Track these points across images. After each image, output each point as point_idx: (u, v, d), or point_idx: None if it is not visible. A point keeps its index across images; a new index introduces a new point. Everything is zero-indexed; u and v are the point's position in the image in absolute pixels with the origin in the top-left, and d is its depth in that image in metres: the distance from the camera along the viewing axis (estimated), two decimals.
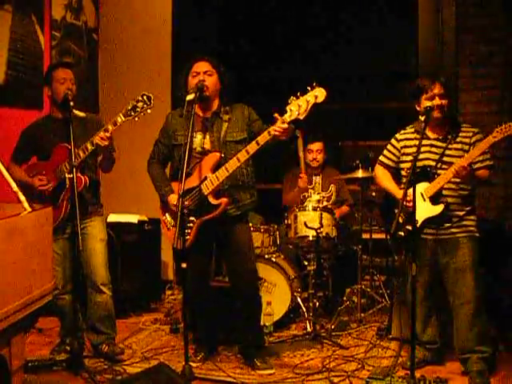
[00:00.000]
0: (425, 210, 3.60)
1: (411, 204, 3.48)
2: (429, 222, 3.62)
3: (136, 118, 3.66)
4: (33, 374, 3.61)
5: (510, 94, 5.05)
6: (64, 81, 3.81)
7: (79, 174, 3.70)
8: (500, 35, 5.05)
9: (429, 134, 3.69)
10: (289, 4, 6.82)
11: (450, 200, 3.62)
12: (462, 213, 3.63)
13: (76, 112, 3.79)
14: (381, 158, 3.91)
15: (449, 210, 3.61)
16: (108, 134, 3.65)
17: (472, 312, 3.58)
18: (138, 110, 3.64)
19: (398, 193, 3.71)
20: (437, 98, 3.58)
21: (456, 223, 3.63)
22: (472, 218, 3.67)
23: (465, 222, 3.64)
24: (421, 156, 3.63)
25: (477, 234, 3.66)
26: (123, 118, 3.65)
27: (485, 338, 3.61)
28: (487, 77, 5.12)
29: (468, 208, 3.65)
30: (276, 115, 3.46)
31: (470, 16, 5.14)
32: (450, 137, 3.65)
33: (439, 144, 3.67)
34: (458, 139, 3.63)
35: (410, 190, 3.37)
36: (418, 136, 3.63)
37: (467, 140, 3.61)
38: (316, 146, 5.34)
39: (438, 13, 5.19)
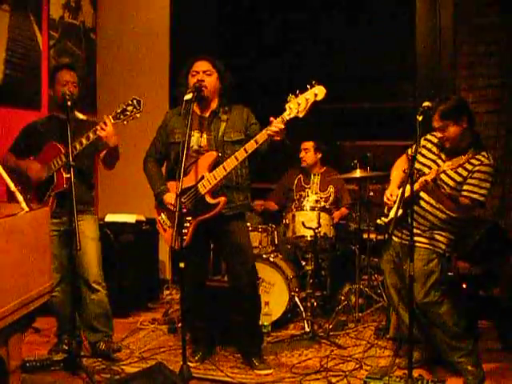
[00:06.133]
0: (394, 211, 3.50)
1: (390, 202, 3.52)
2: (395, 222, 3.43)
3: (125, 122, 3.65)
4: (30, 374, 3.60)
5: (508, 93, 5.07)
6: (66, 83, 3.80)
7: (64, 173, 3.70)
8: (498, 35, 5.07)
9: (445, 150, 3.56)
10: (288, 3, 6.83)
11: (429, 217, 3.52)
12: (429, 231, 3.52)
13: (77, 114, 3.77)
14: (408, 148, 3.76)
15: (407, 220, 3.38)
16: (108, 123, 3.62)
17: (428, 322, 3.55)
18: (128, 113, 3.64)
19: (391, 188, 3.65)
20: (438, 132, 3.49)
21: (422, 234, 3.53)
22: (442, 235, 3.54)
23: (432, 235, 3.53)
24: (426, 162, 3.58)
25: (440, 251, 3.54)
26: (112, 121, 3.65)
27: (460, 335, 3.56)
28: (485, 76, 5.13)
29: (441, 226, 3.52)
30: (271, 119, 3.45)
31: (468, 16, 5.16)
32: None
33: (441, 162, 3.53)
34: (466, 164, 3.38)
35: (403, 189, 3.31)
36: (435, 146, 3.55)
37: (470, 167, 3.41)
38: (304, 145, 5.32)
39: (436, 13, 5.21)
